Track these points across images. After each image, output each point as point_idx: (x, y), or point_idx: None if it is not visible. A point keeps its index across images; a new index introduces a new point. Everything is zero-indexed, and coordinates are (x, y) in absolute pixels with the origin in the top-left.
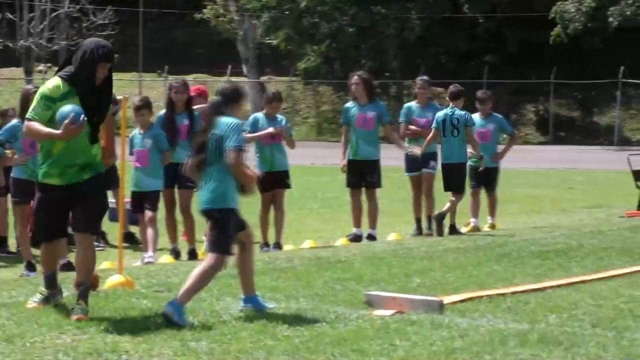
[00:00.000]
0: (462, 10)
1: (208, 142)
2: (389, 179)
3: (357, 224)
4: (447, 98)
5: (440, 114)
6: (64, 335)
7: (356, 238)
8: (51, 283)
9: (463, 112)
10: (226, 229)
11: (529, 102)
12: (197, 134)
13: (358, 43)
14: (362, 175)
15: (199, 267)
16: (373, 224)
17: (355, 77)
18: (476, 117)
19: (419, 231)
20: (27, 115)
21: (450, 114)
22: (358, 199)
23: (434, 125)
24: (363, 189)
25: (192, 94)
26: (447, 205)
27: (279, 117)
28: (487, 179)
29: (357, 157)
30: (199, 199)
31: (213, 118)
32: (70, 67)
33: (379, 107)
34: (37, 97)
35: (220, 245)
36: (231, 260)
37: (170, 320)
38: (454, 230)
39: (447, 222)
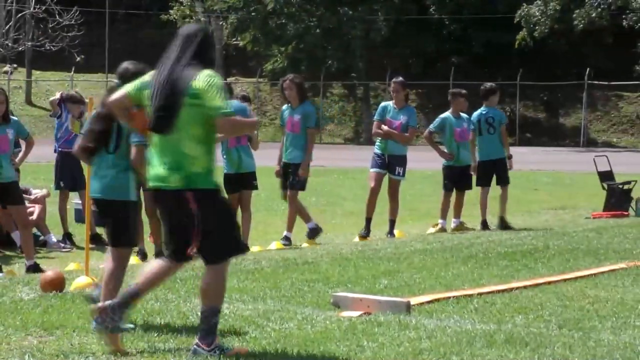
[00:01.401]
0: (429, 11)
1: (111, 129)
2: (356, 180)
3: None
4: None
5: (475, 115)
6: (30, 337)
7: (287, 240)
8: None
9: (498, 111)
10: (132, 221)
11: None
12: (94, 118)
13: (324, 44)
14: (288, 178)
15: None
16: (290, 227)
17: (287, 81)
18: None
19: (367, 232)
20: (225, 111)
21: (484, 113)
22: (292, 201)
23: (471, 127)
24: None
25: None
26: (500, 205)
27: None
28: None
29: (285, 160)
30: (93, 187)
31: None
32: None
33: (305, 110)
34: (219, 88)
35: (125, 238)
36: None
37: (91, 300)
38: (504, 224)
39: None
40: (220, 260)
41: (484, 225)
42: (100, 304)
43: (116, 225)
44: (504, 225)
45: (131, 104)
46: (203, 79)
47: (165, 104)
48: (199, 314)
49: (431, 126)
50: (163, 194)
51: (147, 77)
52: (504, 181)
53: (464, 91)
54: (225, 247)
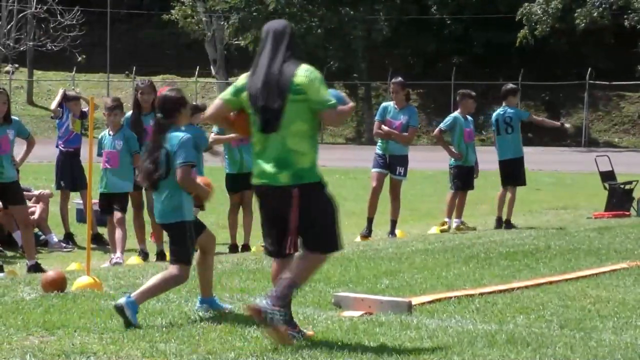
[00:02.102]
0: (430, 11)
1: (160, 156)
2: (357, 180)
3: None
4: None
5: (494, 115)
6: (32, 337)
7: None
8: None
9: (514, 110)
10: (183, 241)
11: (497, 103)
12: (146, 151)
13: (326, 44)
14: None
15: (162, 273)
16: None
17: None
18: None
19: (369, 232)
20: (330, 103)
21: (502, 112)
22: None
23: (492, 128)
24: None
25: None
26: (507, 209)
27: None
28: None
29: None
30: (155, 211)
31: (160, 136)
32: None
33: None
34: (321, 81)
35: (180, 257)
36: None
37: (122, 313)
38: (510, 224)
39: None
40: (319, 250)
41: (508, 224)
42: (254, 304)
43: (175, 245)
44: (508, 225)
45: (230, 111)
46: (303, 73)
47: (270, 103)
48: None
49: (442, 124)
50: (270, 190)
51: (242, 79)
52: (519, 181)
53: (473, 93)
54: (325, 240)
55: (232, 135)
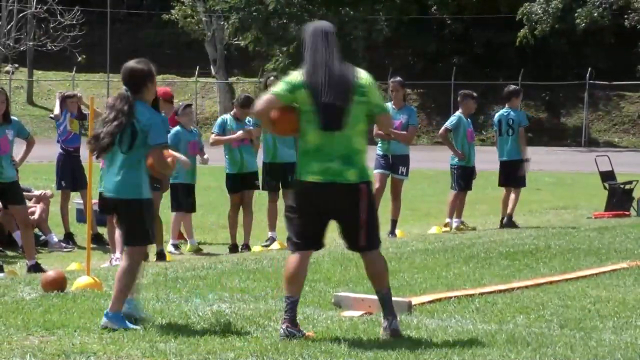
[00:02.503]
0: (430, 11)
1: (126, 131)
2: None
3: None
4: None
5: (497, 115)
6: (32, 337)
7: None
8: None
9: (516, 113)
10: (142, 220)
11: (497, 103)
12: (108, 121)
13: None
14: (283, 177)
15: (119, 272)
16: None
17: (273, 77)
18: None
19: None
20: (386, 108)
21: (505, 114)
22: (277, 203)
23: (494, 128)
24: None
25: (160, 95)
26: (510, 205)
27: (247, 119)
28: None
29: (275, 161)
30: (108, 185)
31: (125, 110)
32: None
33: None
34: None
35: (137, 237)
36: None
37: (113, 329)
38: (510, 220)
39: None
40: (377, 245)
41: (509, 221)
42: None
43: (131, 224)
44: (510, 223)
45: (280, 106)
46: (365, 76)
47: (336, 102)
48: (378, 299)
49: (448, 124)
50: (335, 187)
51: (297, 77)
52: (519, 183)
53: (474, 93)
54: (377, 234)
55: (232, 136)
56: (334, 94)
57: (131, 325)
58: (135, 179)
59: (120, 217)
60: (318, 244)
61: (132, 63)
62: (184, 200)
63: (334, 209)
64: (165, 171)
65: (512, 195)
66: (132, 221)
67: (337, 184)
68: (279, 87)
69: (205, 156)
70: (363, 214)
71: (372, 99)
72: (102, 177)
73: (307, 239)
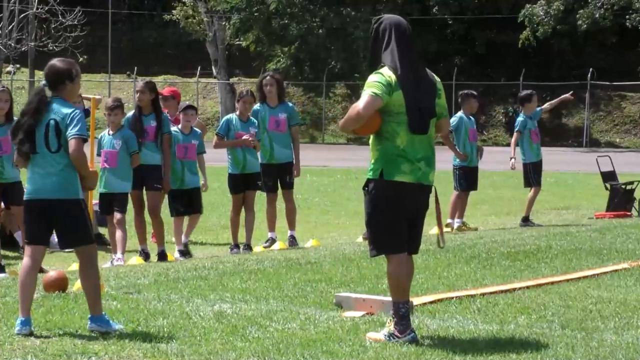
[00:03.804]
0: (431, 12)
1: (40, 128)
2: (359, 180)
3: (274, 227)
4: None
5: (522, 117)
6: (33, 337)
7: (293, 239)
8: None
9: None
10: (84, 219)
11: (498, 103)
12: (19, 121)
13: (328, 45)
14: (280, 178)
15: (80, 277)
16: (293, 225)
17: (269, 77)
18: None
19: None
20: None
21: (529, 118)
22: (275, 203)
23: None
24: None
25: (166, 94)
26: (527, 204)
27: (252, 119)
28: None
29: (272, 161)
30: (45, 187)
31: (41, 107)
32: None
33: (289, 109)
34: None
35: (85, 237)
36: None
37: (102, 333)
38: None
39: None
40: (416, 252)
41: (525, 221)
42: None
43: (76, 224)
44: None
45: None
46: (438, 79)
47: (429, 105)
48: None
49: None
50: (420, 188)
51: (391, 77)
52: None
53: (475, 93)
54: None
55: (236, 141)
56: (425, 97)
57: (116, 326)
58: (73, 178)
59: (59, 219)
60: (408, 244)
61: (55, 61)
62: (180, 205)
63: (415, 209)
64: (81, 170)
65: (531, 194)
66: (77, 221)
67: (423, 185)
68: (379, 88)
69: (202, 183)
70: (439, 216)
71: (444, 102)
72: (100, 177)
73: (404, 239)
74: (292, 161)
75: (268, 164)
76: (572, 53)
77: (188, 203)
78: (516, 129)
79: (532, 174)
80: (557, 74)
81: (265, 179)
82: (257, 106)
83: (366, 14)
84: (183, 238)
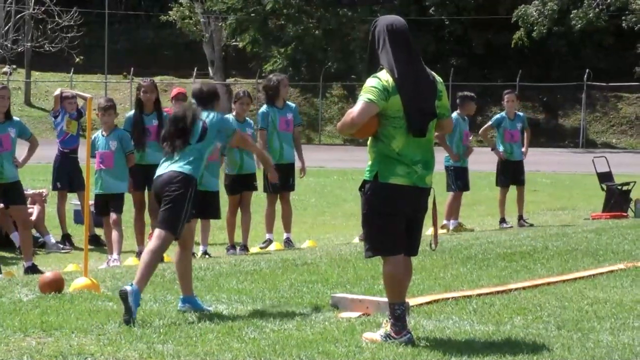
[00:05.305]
0: (428, 12)
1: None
2: (356, 181)
3: (272, 229)
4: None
5: (524, 117)
6: (29, 338)
7: (288, 241)
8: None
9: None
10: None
11: (495, 104)
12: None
13: (324, 46)
14: (285, 178)
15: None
16: (289, 227)
17: (285, 78)
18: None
19: None
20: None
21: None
22: (275, 204)
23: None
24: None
25: (173, 94)
26: (518, 204)
27: (248, 119)
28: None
29: (282, 161)
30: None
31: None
32: None
33: (293, 109)
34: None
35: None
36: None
37: (124, 299)
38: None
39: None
40: (415, 254)
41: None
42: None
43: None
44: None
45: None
46: (439, 79)
47: (428, 108)
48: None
49: None
50: (417, 191)
51: (388, 81)
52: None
53: (474, 95)
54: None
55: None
56: (424, 100)
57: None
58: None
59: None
60: (405, 246)
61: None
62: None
63: (412, 211)
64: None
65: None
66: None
67: (419, 187)
68: (375, 94)
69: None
70: (436, 218)
71: (444, 103)
72: (97, 178)
73: (400, 241)
74: (294, 162)
75: (277, 165)
76: (569, 54)
77: (202, 206)
78: (489, 123)
79: (500, 174)
80: (555, 75)
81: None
82: (264, 108)
83: (363, 14)
84: (202, 248)
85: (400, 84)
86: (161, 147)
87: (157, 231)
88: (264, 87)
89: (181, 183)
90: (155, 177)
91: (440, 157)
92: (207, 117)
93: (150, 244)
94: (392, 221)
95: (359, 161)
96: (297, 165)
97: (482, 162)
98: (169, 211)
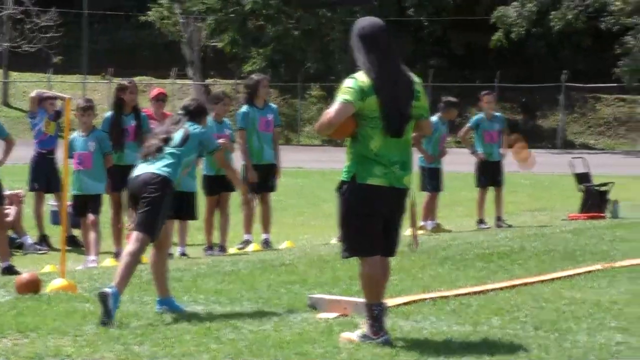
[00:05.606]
0: (406, 13)
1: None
2: (335, 182)
3: (251, 229)
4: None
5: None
6: (5, 339)
7: (267, 243)
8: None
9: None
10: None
11: (474, 105)
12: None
13: (303, 46)
14: (265, 179)
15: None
16: (268, 228)
17: (266, 79)
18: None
19: None
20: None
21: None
22: (253, 205)
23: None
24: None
25: (153, 95)
26: (496, 205)
27: (226, 121)
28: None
29: (262, 162)
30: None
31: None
32: None
33: (273, 109)
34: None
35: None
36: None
37: (104, 301)
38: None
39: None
40: (393, 254)
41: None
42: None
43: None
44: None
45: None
46: (418, 80)
47: (404, 108)
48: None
49: None
50: (393, 192)
51: (365, 82)
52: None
53: (457, 102)
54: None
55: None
56: (401, 100)
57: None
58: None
59: None
60: (383, 247)
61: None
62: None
63: (389, 212)
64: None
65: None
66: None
67: (396, 188)
68: (352, 94)
69: None
70: (415, 219)
71: (422, 104)
72: (75, 179)
73: (377, 241)
74: (275, 162)
75: (257, 165)
76: (548, 55)
77: (180, 207)
78: (468, 125)
79: (479, 175)
80: (534, 76)
81: (252, 179)
82: (244, 108)
83: (342, 15)
84: (180, 249)
85: (377, 85)
86: (139, 148)
87: (134, 234)
88: (244, 86)
89: (159, 185)
90: (131, 177)
91: (415, 158)
92: (191, 126)
93: (129, 246)
94: (370, 222)
95: (338, 162)
96: None
97: (461, 163)
98: (146, 214)
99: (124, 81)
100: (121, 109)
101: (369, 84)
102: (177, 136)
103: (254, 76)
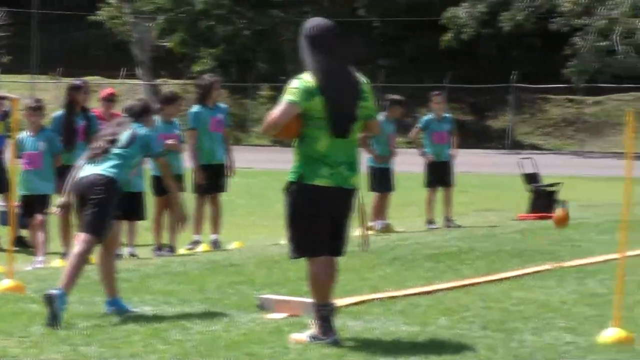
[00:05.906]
0: (358, 14)
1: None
2: (284, 182)
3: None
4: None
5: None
6: None
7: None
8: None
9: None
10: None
11: (424, 106)
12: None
13: (254, 47)
14: (217, 179)
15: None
16: (219, 229)
17: (218, 82)
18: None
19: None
20: (376, 113)
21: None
22: (204, 206)
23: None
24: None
25: (103, 95)
26: (445, 205)
27: (175, 121)
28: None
29: (213, 162)
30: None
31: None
32: None
33: (224, 109)
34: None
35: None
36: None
37: (50, 303)
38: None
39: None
40: (341, 254)
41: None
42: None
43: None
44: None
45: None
46: (365, 80)
47: (350, 109)
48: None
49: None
50: (340, 192)
51: (309, 82)
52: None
53: (401, 99)
54: (345, 244)
55: (168, 143)
56: (347, 101)
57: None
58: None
59: None
60: (329, 247)
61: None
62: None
63: (337, 212)
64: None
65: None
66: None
67: (343, 188)
68: (297, 94)
69: None
70: (363, 219)
71: (369, 104)
72: (23, 179)
73: (324, 242)
74: (224, 162)
75: (208, 165)
76: (498, 56)
77: (128, 207)
78: (418, 126)
79: (428, 175)
80: (484, 77)
81: (200, 180)
82: (195, 108)
83: (293, 16)
84: (129, 249)
85: (322, 85)
86: (88, 148)
87: (81, 235)
88: (196, 86)
89: (105, 186)
90: (78, 179)
91: (364, 158)
92: (137, 127)
93: (76, 247)
94: (316, 222)
95: (288, 162)
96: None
97: (413, 164)
98: (93, 215)
99: (76, 81)
100: (73, 109)
101: (314, 85)
102: (124, 137)
103: (207, 77)
